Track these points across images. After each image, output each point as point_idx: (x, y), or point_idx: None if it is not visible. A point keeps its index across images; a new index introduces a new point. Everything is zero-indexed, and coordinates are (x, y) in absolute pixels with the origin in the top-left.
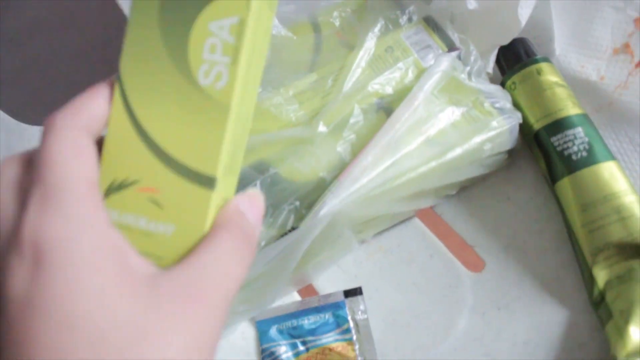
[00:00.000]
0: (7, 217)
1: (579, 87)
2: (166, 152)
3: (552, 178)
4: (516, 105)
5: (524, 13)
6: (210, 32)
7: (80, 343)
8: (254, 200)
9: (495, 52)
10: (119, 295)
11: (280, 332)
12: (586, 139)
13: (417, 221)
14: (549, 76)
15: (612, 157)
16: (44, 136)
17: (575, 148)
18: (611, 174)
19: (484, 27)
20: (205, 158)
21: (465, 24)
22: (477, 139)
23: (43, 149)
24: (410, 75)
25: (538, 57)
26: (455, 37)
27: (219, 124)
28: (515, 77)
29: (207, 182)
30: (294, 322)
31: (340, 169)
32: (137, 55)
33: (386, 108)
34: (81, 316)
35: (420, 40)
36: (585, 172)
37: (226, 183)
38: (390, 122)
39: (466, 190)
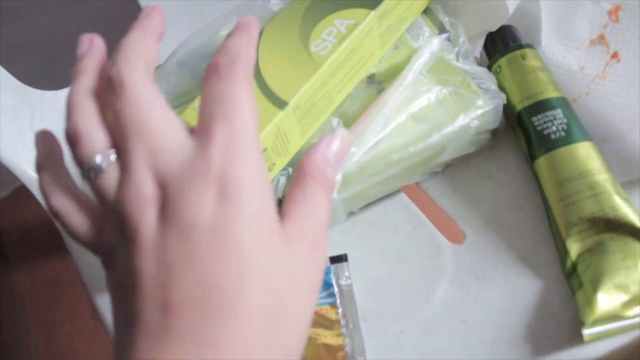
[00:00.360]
0: (181, 146)
1: (562, 76)
2: (265, 81)
3: (532, 156)
4: (501, 87)
5: (512, 2)
6: (333, 24)
7: (254, 276)
8: (338, 143)
9: (484, 37)
10: (278, 239)
11: None
12: (564, 120)
13: (402, 195)
14: (532, 61)
15: (589, 138)
16: (228, 80)
17: (554, 128)
18: (586, 153)
19: (474, 13)
20: (287, 90)
21: (456, 9)
22: (463, 117)
23: (230, 93)
24: (402, 55)
25: (523, 43)
26: (445, 20)
27: (309, 74)
28: (501, 61)
29: (280, 104)
30: None
31: None
32: (280, 23)
33: (378, 85)
34: (257, 253)
35: (413, 22)
36: (562, 150)
37: (292, 124)
38: (381, 98)
39: (451, 168)
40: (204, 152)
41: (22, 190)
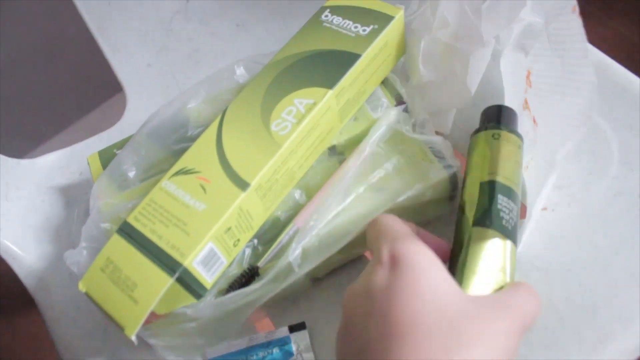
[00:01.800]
0: None
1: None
2: (228, 161)
3: (479, 223)
4: (483, 152)
5: (472, 84)
6: (293, 103)
7: (426, 308)
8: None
9: (453, 112)
10: (446, 290)
11: None
12: (515, 219)
13: (366, 259)
14: (519, 148)
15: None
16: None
17: (507, 217)
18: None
19: (439, 92)
20: (250, 170)
21: (424, 89)
22: (418, 186)
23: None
24: (362, 126)
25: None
26: (403, 91)
27: (269, 154)
28: (501, 132)
29: (242, 185)
30: (244, 358)
31: (295, 209)
32: (243, 102)
33: (339, 156)
34: (425, 293)
35: (372, 93)
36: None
37: (255, 202)
38: (341, 170)
39: None
40: (380, 247)
41: None
